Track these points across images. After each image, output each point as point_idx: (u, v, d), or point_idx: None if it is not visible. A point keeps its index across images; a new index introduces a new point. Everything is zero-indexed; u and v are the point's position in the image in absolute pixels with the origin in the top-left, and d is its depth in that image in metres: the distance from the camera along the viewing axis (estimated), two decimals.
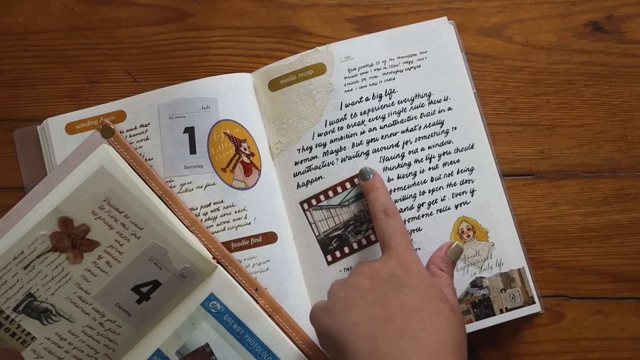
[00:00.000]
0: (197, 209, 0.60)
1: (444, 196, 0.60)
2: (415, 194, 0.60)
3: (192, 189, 0.61)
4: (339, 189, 0.61)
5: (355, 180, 0.61)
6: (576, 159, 0.62)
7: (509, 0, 0.63)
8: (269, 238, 0.60)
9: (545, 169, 0.62)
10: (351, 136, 0.61)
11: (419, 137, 0.61)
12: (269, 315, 0.59)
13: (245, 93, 0.62)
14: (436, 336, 0.48)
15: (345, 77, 0.61)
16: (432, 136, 0.61)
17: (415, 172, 0.61)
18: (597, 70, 0.62)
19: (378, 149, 0.61)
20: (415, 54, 0.62)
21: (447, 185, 0.60)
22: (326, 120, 0.61)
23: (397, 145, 0.61)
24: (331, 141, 0.61)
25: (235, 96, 0.61)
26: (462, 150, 0.61)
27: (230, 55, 0.63)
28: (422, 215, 0.60)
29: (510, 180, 0.61)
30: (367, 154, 0.61)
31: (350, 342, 0.49)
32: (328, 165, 0.61)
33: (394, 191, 0.60)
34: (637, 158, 0.61)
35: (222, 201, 0.60)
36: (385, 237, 0.55)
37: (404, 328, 0.48)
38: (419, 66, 0.61)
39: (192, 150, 0.61)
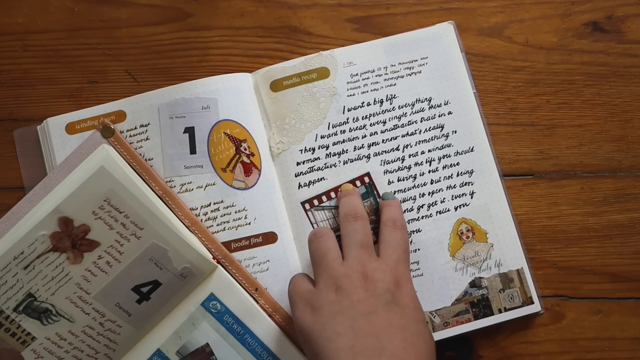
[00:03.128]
0: (197, 209, 0.60)
1: (444, 198, 0.60)
2: (415, 196, 0.60)
3: (192, 189, 0.61)
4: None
5: (357, 182, 0.61)
6: (576, 159, 0.62)
7: (509, 0, 0.63)
8: (269, 238, 0.60)
9: (545, 169, 0.62)
10: (353, 139, 0.61)
11: (419, 141, 0.61)
12: (269, 315, 0.59)
13: (246, 93, 0.62)
14: (415, 357, 0.49)
15: (347, 82, 0.61)
16: (432, 140, 0.61)
17: (415, 174, 0.61)
18: (597, 70, 0.62)
19: (379, 152, 0.61)
20: (417, 60, 0.62)
21: (447, 187, 0.60)
22: (329, 123, 0.61)
23: (397, 148, 0.61)
24: (334, 143, 0.61)
25: (235, 96, 0.61)
26: (462, 153, 0.61)
27: (230, 55, 0.63)
28: (422, 217, 0.60)
29: (510, 181, 0.61)
30: (368, 157, 0.61)
31: (329, 351, 0.49)
32: (330, 167, 0.61)
33: (395, 193, 0.60)
34: (637, 158, 0.61)
35: (222, 201, 0.60)
36: (388, 248, 0.55)
37: (387, 346, 0.48)
38: (420, 72, 0.61)
39: (192, 150, 0.61)
